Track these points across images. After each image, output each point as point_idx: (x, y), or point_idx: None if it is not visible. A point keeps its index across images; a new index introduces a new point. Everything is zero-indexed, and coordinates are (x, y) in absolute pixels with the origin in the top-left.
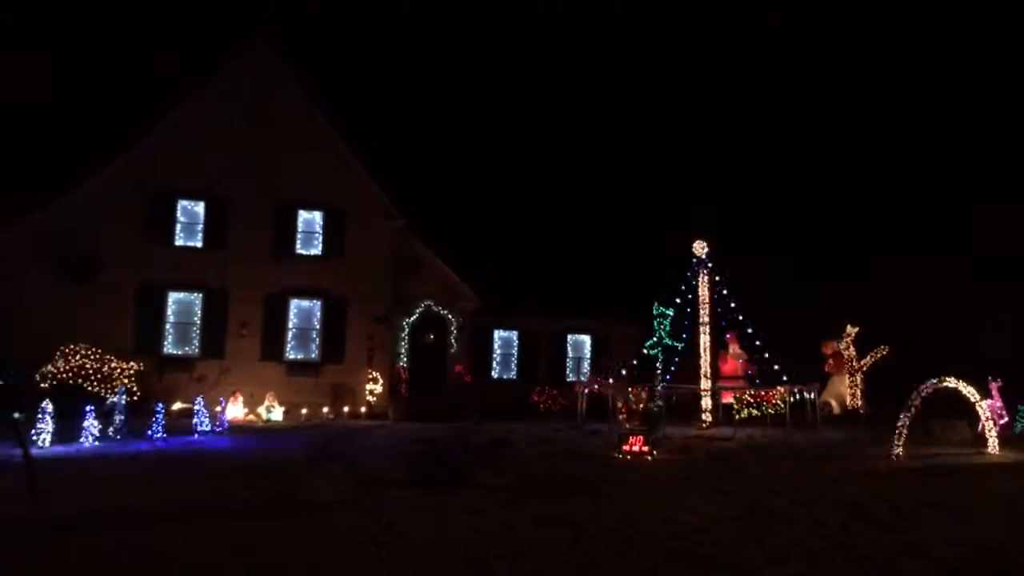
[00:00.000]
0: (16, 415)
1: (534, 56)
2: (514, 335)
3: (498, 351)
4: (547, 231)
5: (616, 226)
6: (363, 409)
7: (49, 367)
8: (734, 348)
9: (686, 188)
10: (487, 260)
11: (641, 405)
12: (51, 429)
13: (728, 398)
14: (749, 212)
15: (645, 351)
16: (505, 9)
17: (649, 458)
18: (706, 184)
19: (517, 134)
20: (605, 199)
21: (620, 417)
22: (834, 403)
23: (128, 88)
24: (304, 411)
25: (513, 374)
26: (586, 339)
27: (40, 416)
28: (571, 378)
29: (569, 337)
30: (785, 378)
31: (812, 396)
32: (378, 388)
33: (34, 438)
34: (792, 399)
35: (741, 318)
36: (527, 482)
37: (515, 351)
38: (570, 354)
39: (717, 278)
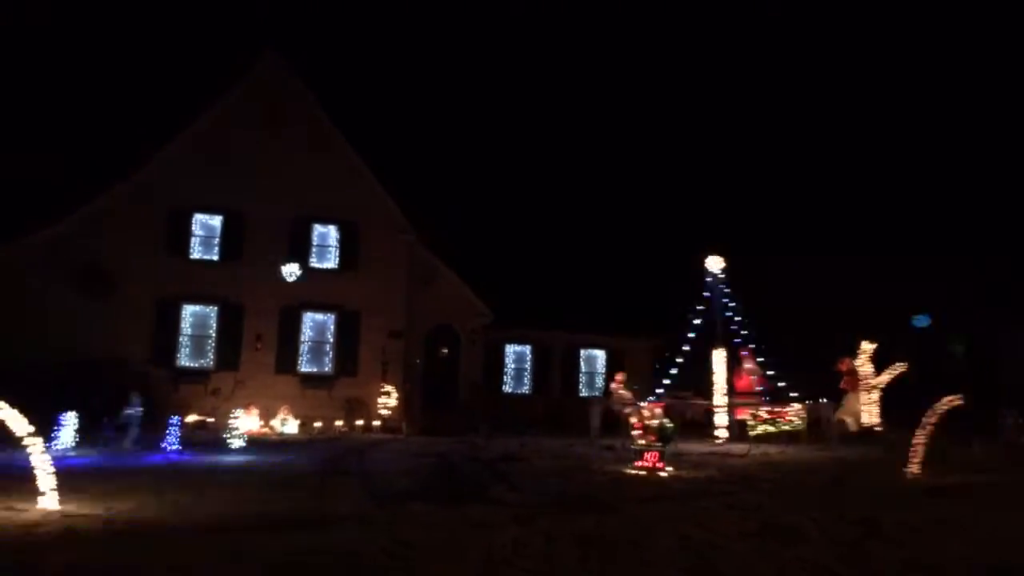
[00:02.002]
0: (31, 426)
1: (551, 68)
2: (527, 349)
3: (511, 365)
4: (562, 245)
5: (631, 240)
6: (376, 423)
7: (65, 378)
8: (749, 364)
9: (702, 201)
10: (501, 274)
11: (655, 421)
12: (66, 439)
13: (743, 414)
14: (766, 225)
15: (658, 366)
16: (522, 19)
17: (663, 474)
18: (722, 196)
19: (532, 147)
20: (620, 212)
21: (633, 433)
22: (850, 421)
23: (145, 101)
24: (318, 424)
25: (526, 388)
26: (600, 354)
27: (55, 427)
28: (584, 393)
29: (583, 352)
30: (800, 395)
31: (828, 413)
32: (392, 402)
33: (49, 448)
34: (808, 416)
35: (755, 334)
36: (540, 497)
37: (528, 365)
38: (583, 369)
39: (732, 292)
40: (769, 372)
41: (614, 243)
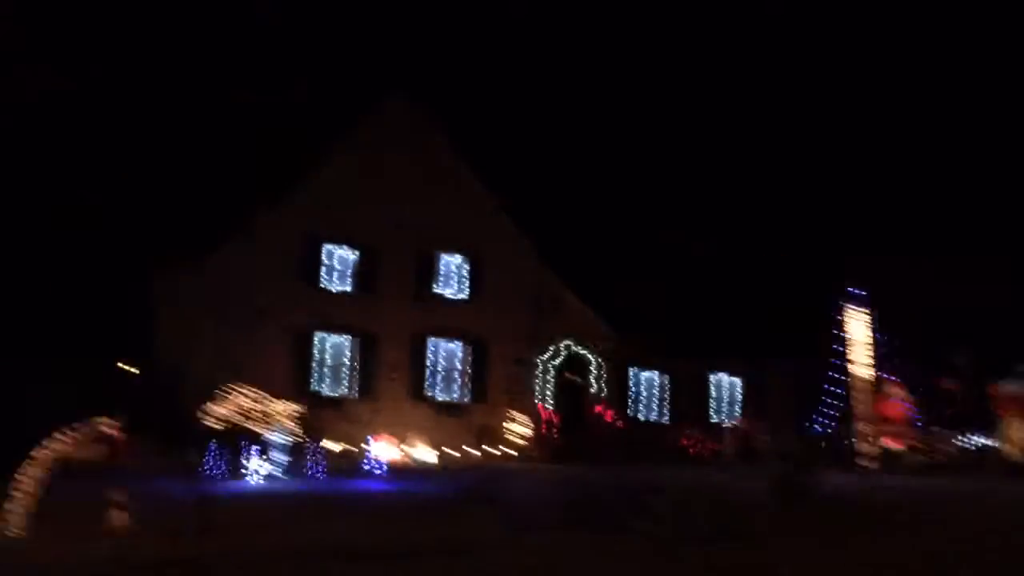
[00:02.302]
0: (187, 453)
1: (669, 89)
2: (656, 375)
3: (643, 392)
4: (692, 267)
5: (767, 261)
6: (509, 450)
7: (216, 407)
8: (895, 390)
9: (841, 219)
10: (629, 299)
11: (795, 449)
12: (220, 467)
13: (890, 443)
14: (909, 244)
15: (797, 392)
16: (638, 38)
17: (807, 505)
18: (862, 214)
19: (659, 168)
20: (754, 232)
21: (775, 462)
22: (1012, 450)
23: (282, 141)
24: (452, 452)
25: (659, 416)
26: (735, 380)
27: (209, 454)
28: (720, 420)
29: (717, 377)
30: (953, 422)
31: (986, 442)
32: (523, 429)
33: (204, 475)
34: (963, 445)
35: (901, 358)
36: (681, 528)
37: (660, 392)
38: (717, 395)
39: (876, 315)
40: (917, 398)
41: (748, 263)
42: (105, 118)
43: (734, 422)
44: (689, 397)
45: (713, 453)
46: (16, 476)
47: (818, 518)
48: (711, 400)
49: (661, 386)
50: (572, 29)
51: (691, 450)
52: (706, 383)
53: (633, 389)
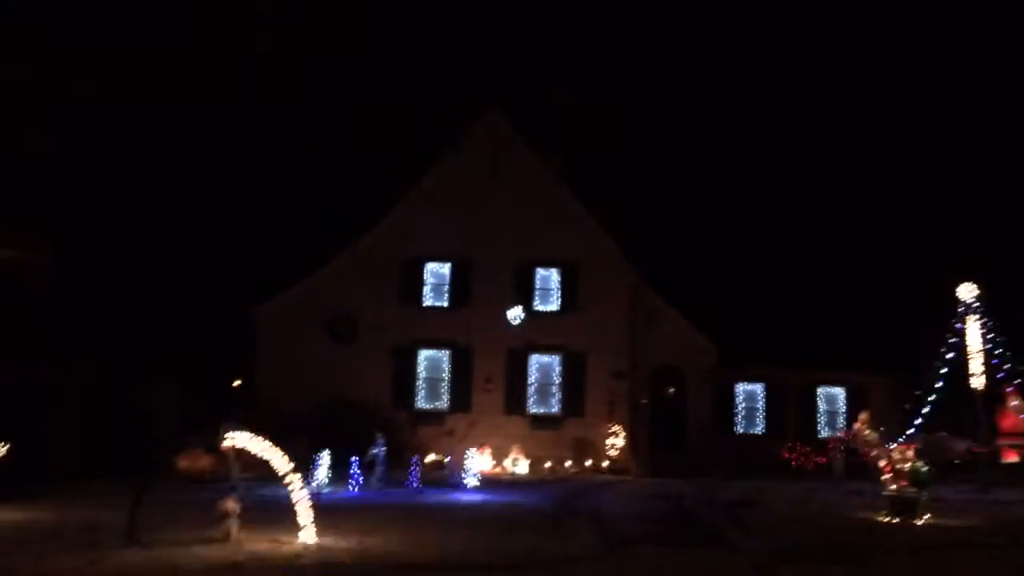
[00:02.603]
0: (291, 464)
1: (760, 92)
2: (759, 388)
3: (742, 405)
4: (791, 276)
5: (869, 268)
6: (605, 463)
7: (319, 420)
8: (1014, 402)
9: (950, 222)
10: (727, 310)
11: (907, 464)
12: (323, 478)
13: (1010, 457)
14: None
15: (906, 404)
16: (734, 48)
17: (919, 522)
18: (973, 216)
19: (753, 173)
20: (856, 238)
21: (883, 477)
22: None
23: (378, 160)
24: (548, 464)
25: (759, 429)
26: (840, 391)
27: (313, 465)
28: (824, 433)
29: (820, 390)
30: None
31: None
32: (619, 442)
33: (308, 485)
34: None
35: (1019, 368)
36: (781, 545)
37: (760, 405)
38: (822, 408)
39: (990, 323)
40: None
41: (852, 271)
42: (219, 147)
43: (839, 434)
44: (793, 409)
45: (818, 467)
46: (143, 486)
47: (928, 536)
48: (819, 414)
49: (764, 398)
50: (669, 40)
51: (794, 463)
52: (812, 395)
53: (734, 402)
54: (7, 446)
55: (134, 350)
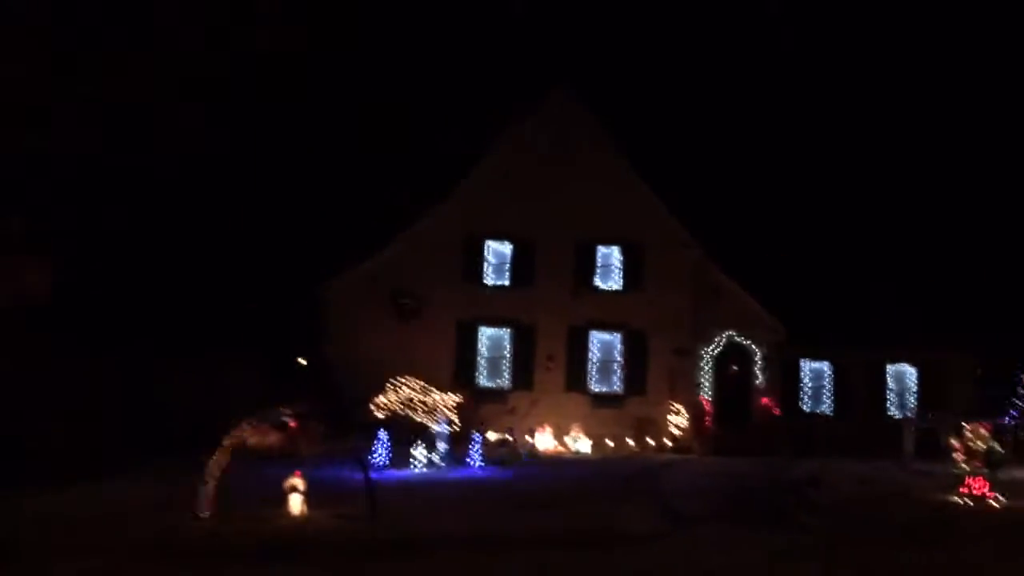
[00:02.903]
0: (356, 441)
1: (832, 58)
2: (825, 366)
3: (808, 383)
4: (861, 250)
5: (945, 242)
6: (667, 442)
7: (382, 398)
8: None
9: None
10: (793, 286)
11: (982, 444)
12: (386, 455)
13: None
14: None
15: (982, 382)
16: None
17: (995, 504)
18: None
19: (823, 148)
20: (931, 211)
21: (955, 457)
22: None
23: (441, 140)
24: (609, 443)
25: (826, 408)
26: (911, 369)
27: (376, 443)
28: (894, 412)
29: (890, 368)
30: None
31: None
32: (682, 421)
33: (372, 463)
34: None
35: None
36: (849, 526)
37: (827, 383)
38: (892, 386)
39: None
40: None
41: (925, 246)
42: (282, 133)
43: (910, 413)
44: (863, 388)
45: (888, 447)
46: (207, 461)
47: (1002, 517)
48: (889, 392)
49: (831, 376)
50: (726, 19)
51: (864, 443)
52: (882, 373)
53: (800, 380)
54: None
55: (205, 330)
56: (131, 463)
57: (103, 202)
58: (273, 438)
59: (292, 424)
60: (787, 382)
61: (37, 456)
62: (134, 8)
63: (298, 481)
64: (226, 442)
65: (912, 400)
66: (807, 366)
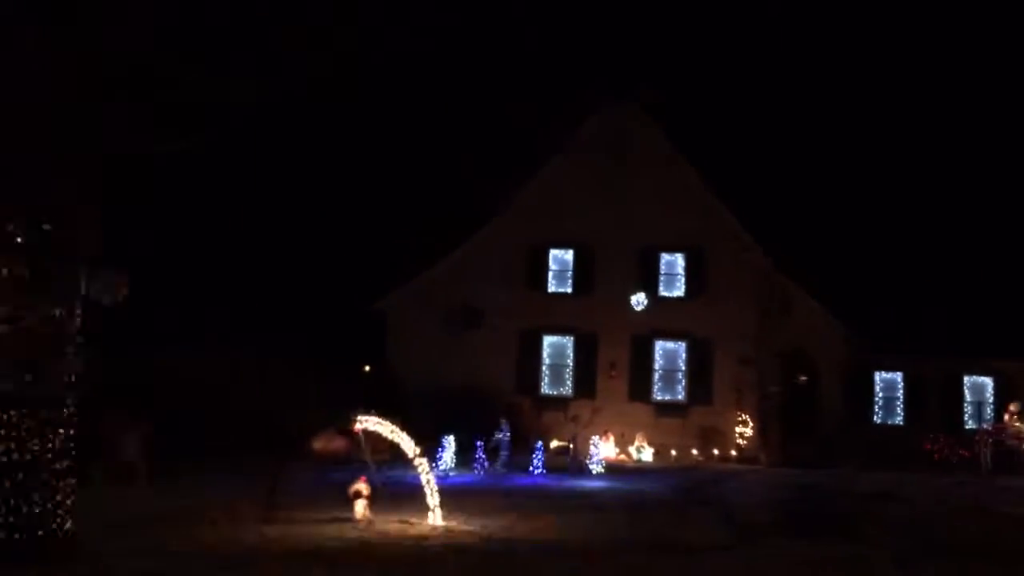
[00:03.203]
0: (419, 448)
1: (903, 64)
2: (898, 376)
3: (880, 394)
4: (935, 258)
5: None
6: (732, 452)
7: (445, 405)
8: None
9: None
10: (865, 294)
11: None
12: (448, 461)
13: None
14: None
15: None
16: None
17: None
18: None
19: (895, 150)
20: (1011, 219)
21: None
22: None
23: (498, 149)
24: (673, 452)
25: (898, 419)
26: (987, 380)
27: (439, 449)
28: (970, 425)
29: (966, 378)
30: None
31: None
32: (747, 431)
33: (434, 469)
34: None
35: None
36: (923, 542)
37: (900, 394)
38: (968, 398)
39: None
40: None
41: (1002, 251)
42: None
43: (987, 426)
44: (936, 399)
45: (963, 460)
46: (279, 467)
47: None
48: (965, 404)
49: (903, 387)
50: (791, 17)
51: (936, 456)
52: (958, 384)
53: (871, 391)
54: (156, 426)
55: (275, 340)
56: (200, 466)
57: (183, 215)
58: (338, 443)
59: (356, 429)
60: (858, 393)
61: (113, 455)
62: (238, 16)
63: (362, 486)
64: (301, 448)
65: (990, 412)
66: (878, 376)
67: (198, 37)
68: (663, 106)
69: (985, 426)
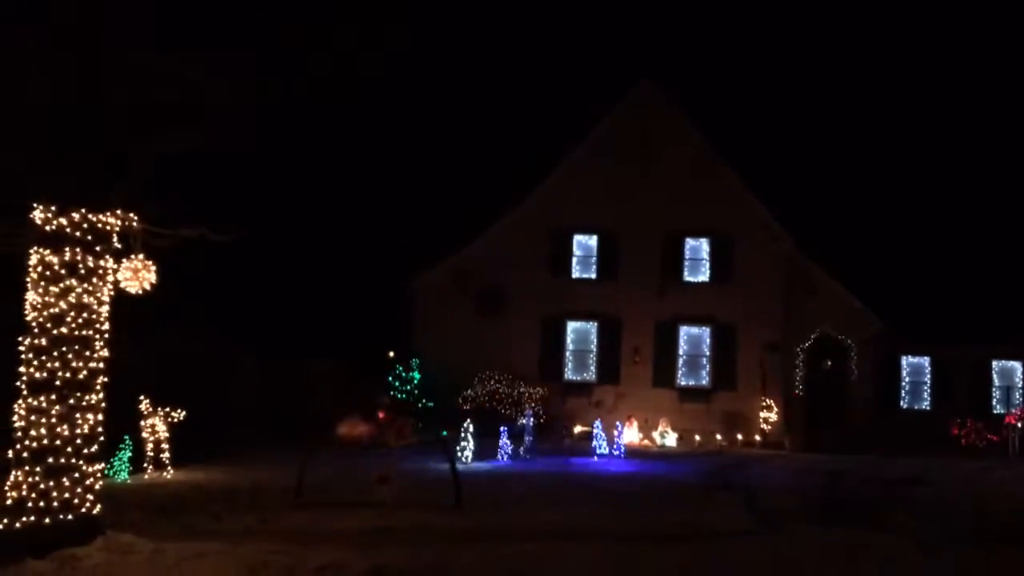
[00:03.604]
0: (443, 433)
1: (934, 49)
2: (925, 361)
3: (907, 379)
4: (962, 242)
5: None
6: (757, 437)
7: (469, 391)
8: None
9: None
10: (891, 279)
11: None
12: (472, 447)
13: None
14: None
15: None
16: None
17: None
18: None
19: (920, 135)
20: None
21: None
22: None
23: (527, 133)
24: (697, 438)
25: (925, 404)
26: (1016, 365)
27: (463, 435)
28: (998, 410)
29: (995, 363)
30: None
31: None
32: (772, 416)
33: (458, 454)
34: None
35: None
36: (951, 527)
37: (927, 379)
38: (996, 382)
39: None
40: None
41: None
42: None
43: (1016, 410)
44: (964, 384)
45: (991, 445)
46: (308, 452)
47: None
48: (994, 388)
49: (931, 372)
50: (814, 14)
51: (964, 441)
52: (986, 369)
53: (898, 376)
54: (183, 412)
55: (300, 324)
56: (230, 450)
57: (215, 208)
58: (362, 429)
59: (381, 415)
60: (885, 378)
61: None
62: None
63: (387, 471)
64: (325, 435)
65: (1018, 397)
66: (906, 361)
67: (198, 37)
68: (687, 91)
69: (1013, 411)
